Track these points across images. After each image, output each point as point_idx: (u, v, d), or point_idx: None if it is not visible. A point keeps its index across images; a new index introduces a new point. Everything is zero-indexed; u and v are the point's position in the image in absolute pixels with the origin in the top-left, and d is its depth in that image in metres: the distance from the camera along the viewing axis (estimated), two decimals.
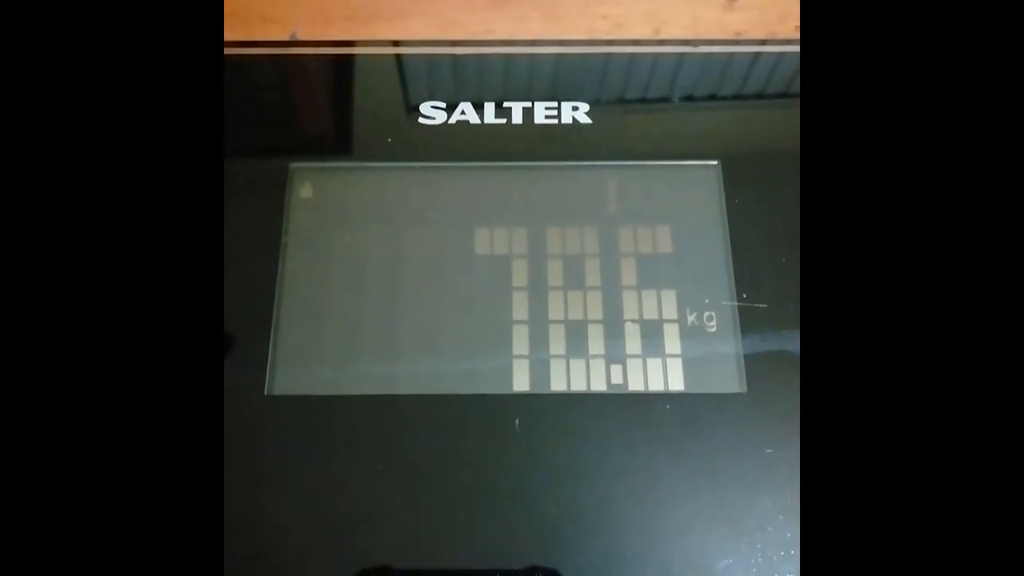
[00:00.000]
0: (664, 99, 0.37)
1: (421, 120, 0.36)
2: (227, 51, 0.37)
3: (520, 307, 0.33)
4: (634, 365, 0.31)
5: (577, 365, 0.31)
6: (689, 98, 0.37)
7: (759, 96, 0.37)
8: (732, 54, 0.38)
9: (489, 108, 0.36)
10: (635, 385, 0.31)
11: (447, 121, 0.36)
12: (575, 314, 0.32)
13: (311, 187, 0.35)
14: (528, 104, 0.36)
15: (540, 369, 0.31)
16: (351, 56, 0.38)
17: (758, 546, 0.28)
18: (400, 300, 0.33)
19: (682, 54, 0.38)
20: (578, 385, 0.31)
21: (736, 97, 0.37)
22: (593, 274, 0.33)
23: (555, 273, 0.33)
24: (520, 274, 0.33)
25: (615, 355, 0.32)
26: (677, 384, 0.31)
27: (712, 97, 0.37)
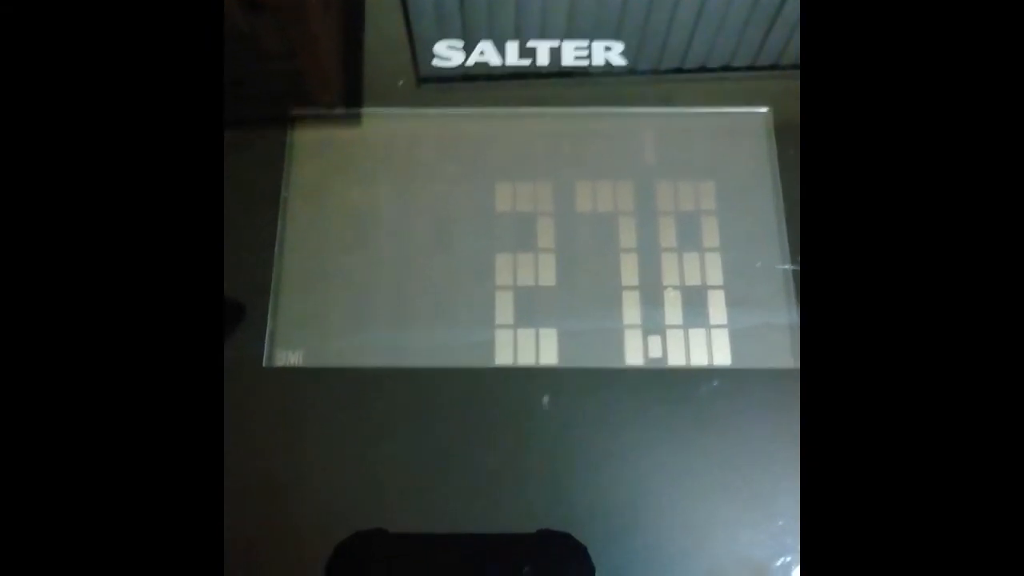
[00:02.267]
0: (707, 38, 0.33)
1: (435, 62, 0.32)
2: None
3: (547, 271, 0.29)
4: (675, 336, 0.28)
5: (611, 336, 0.28)
6: (735, 37, 0.33)
7: None
8: None
9: (511, 48, 0.32)
10: (675, 359, 0.28)
11: (464, 63, 0.32)
12: (608, 279, 0.29)
13: (314, 136, 0.31)
14: (555, 43, 0.32)
15: (570, 341, 0.28)
16: None
17: None
18: (413, 262, 0.29)
19: None
20: (612, 359, 0.28)
21: (788, 35, 0.33)
22: (628, 234, 0.30)
23: (586, 233, 0.30)
24: (546, 234, 0.30)
25: (653, 325, 0.28)
26: (723, 358, 0.28)
27: (760, 36, 0.33)
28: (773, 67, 0.32)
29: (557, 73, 0.32)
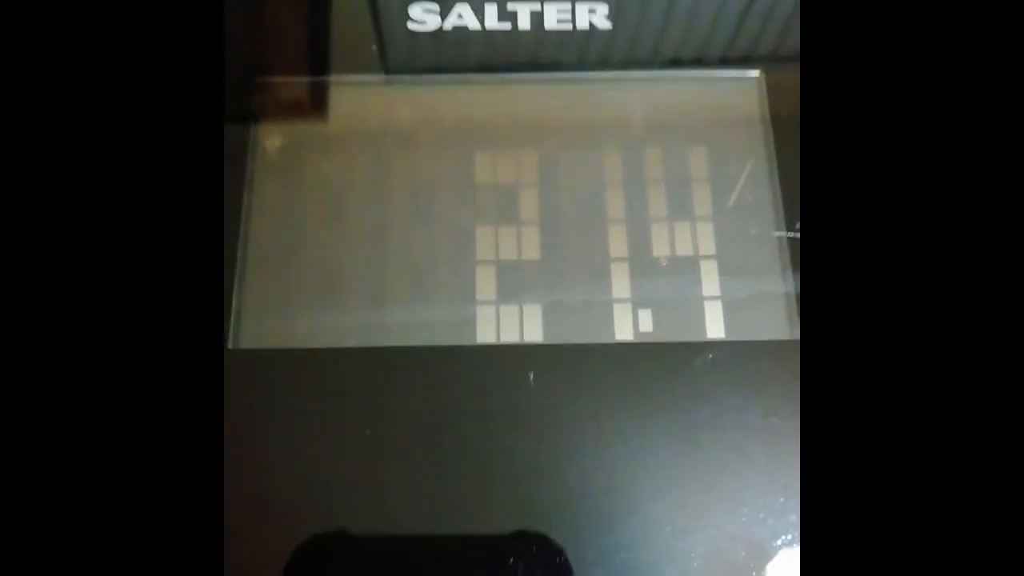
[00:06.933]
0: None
1: (411, 25, 0.30)
2: None
3: (531, 244, 0.28)
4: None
5: (599, 310, 0.27)
6: None
7: None
8: None
9: (491, 10, 0.31)
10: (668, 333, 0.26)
11: (441, 26, 0.30)
12: (595, 252, 0.27)
13: (282, 106, 0.29)
14: (536, 6, 0.31)
15: (556, 316, 0.26)
16: None
17: None
18: (388, 238, 0.27)
19: None
20: (601, 334, 0.26)
21: None
22: (616, 205, 0.28)
23: (571, 204, 0.28)
24: (530, 206, 0.28)
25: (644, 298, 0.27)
26: (717, 331, 0.26)
27: None
28: (764, 27, 0.31)
29: (539, 36, 0.30)
